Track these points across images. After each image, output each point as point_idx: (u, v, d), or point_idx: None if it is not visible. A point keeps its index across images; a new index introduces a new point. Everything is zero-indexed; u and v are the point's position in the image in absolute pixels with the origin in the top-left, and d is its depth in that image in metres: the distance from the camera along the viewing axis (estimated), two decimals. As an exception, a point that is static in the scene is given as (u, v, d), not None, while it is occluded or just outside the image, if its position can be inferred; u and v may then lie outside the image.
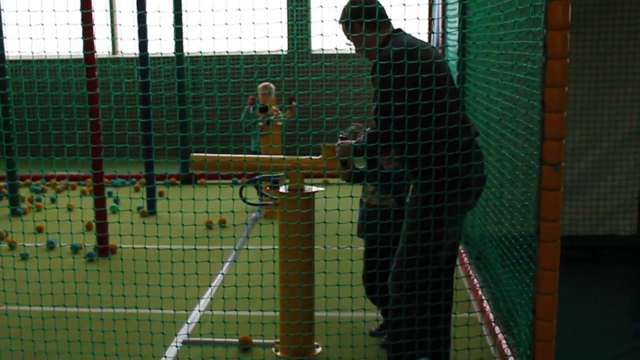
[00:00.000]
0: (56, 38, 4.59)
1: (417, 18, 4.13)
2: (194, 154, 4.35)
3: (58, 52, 4.42)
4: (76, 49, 4.89)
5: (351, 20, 3.89)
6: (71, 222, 4.85)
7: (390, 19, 4.02)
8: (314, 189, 4.38)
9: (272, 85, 8.64)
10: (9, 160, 8.37)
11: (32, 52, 4.54)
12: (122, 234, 4.70)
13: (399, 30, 4.01)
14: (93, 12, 6.16)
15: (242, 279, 4.35)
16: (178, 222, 4.48)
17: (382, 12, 3.96)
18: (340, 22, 4.05)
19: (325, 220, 4.09)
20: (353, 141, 4.08)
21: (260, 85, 8.65)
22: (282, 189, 4.36)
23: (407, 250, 3.82)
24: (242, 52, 4.25)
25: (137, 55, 7.61)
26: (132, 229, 4.67)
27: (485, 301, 5.07)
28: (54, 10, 4.72)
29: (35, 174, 10.16)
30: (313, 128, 4.21)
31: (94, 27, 6.45)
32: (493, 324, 4.70)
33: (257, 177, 4.59)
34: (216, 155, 4.31)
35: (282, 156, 4.24)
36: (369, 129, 3.89)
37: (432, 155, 3.68)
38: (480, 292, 5.29)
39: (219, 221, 7.63)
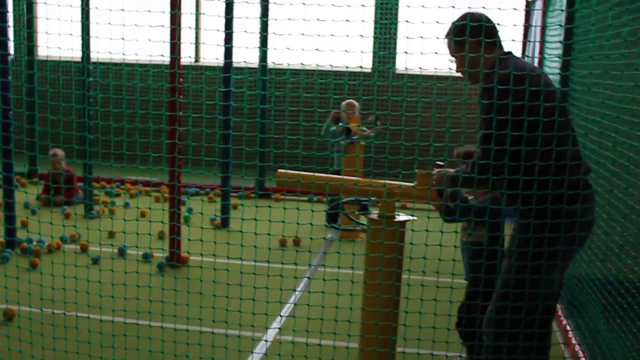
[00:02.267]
0: (149, 40, 4.42)
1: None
2: (281, 171, 4.09)
3: (150, 56, 4.24)
4: (156, 55, 4.66)
5: (470, 39, 3.52)
6: (142, 229, 4.66)
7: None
8: (406, 217, 4.06)
9: (356, 103, 8.27)
10: (85, 162, 8.27)
11: (123, 54, 4.36)
12: (195, 246, 4.50)
13: (510, 52, 3.67)
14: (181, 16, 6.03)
15: (319, 300, 4.05)
16: (252, 237, 4.24)
17: (495, 31, 3.63)
18: (451, 39, 3.64)
19: (425, 256, 3.77)
20: (452, 170, 3.70)
21: (345, 103, 8.25)
22: (372, 216, 4.06)
23: (514, 295, 3.44)
24: (346, 67, 3.99)
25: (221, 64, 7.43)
26: (208, 240, 4.48)
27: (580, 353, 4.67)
28: (138, 11, 4.56)
29: (106, 178, 10.15)
30: (401, 153, 3.86)
31: (181, 31, 6.32)
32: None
33: (347, 200, 4.33)
34: (307, 173, 4.04)
35: (382, 181, 3.93)
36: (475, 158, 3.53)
37: (550, 193, 3.32)
38: (574, 344, 4.86)
39: (293, 240, 7.39)
